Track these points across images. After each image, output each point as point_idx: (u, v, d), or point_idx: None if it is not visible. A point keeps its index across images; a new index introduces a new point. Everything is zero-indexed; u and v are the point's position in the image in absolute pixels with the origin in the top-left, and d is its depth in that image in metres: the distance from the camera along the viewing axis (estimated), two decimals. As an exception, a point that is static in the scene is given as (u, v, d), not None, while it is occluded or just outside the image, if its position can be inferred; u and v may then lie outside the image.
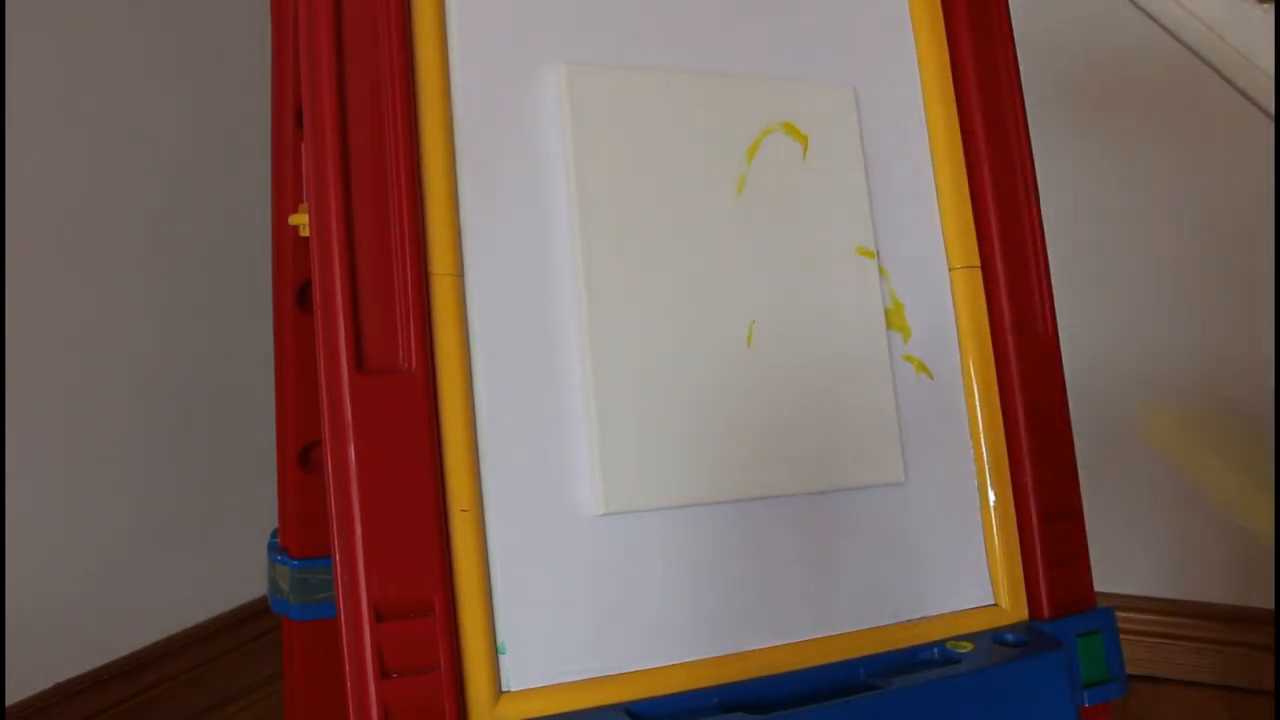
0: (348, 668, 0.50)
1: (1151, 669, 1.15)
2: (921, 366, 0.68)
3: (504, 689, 0.53)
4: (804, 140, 0.66)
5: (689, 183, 0.62)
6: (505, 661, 0.54)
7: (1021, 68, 0.73)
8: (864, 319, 0.66)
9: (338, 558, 0.51)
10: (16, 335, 0.96)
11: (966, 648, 0.62)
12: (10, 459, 0.94)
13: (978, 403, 0.68)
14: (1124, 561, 1.18)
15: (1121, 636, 0.66)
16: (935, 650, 0.62)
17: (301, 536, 0.80)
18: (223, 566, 1.17)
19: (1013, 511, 0.67)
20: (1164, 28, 1.13)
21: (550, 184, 0.60)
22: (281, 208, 0.78)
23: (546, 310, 0.58)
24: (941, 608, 0.65)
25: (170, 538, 1.11)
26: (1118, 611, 0.67)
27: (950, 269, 0.69)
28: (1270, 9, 1.10)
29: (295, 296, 0.78)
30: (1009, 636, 0.63)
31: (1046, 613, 0.65)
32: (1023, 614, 0.66)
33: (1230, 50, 1.10)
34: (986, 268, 0.70)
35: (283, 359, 0.80)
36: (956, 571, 0.66)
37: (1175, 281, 1.19)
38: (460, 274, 0.56)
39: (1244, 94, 1.10)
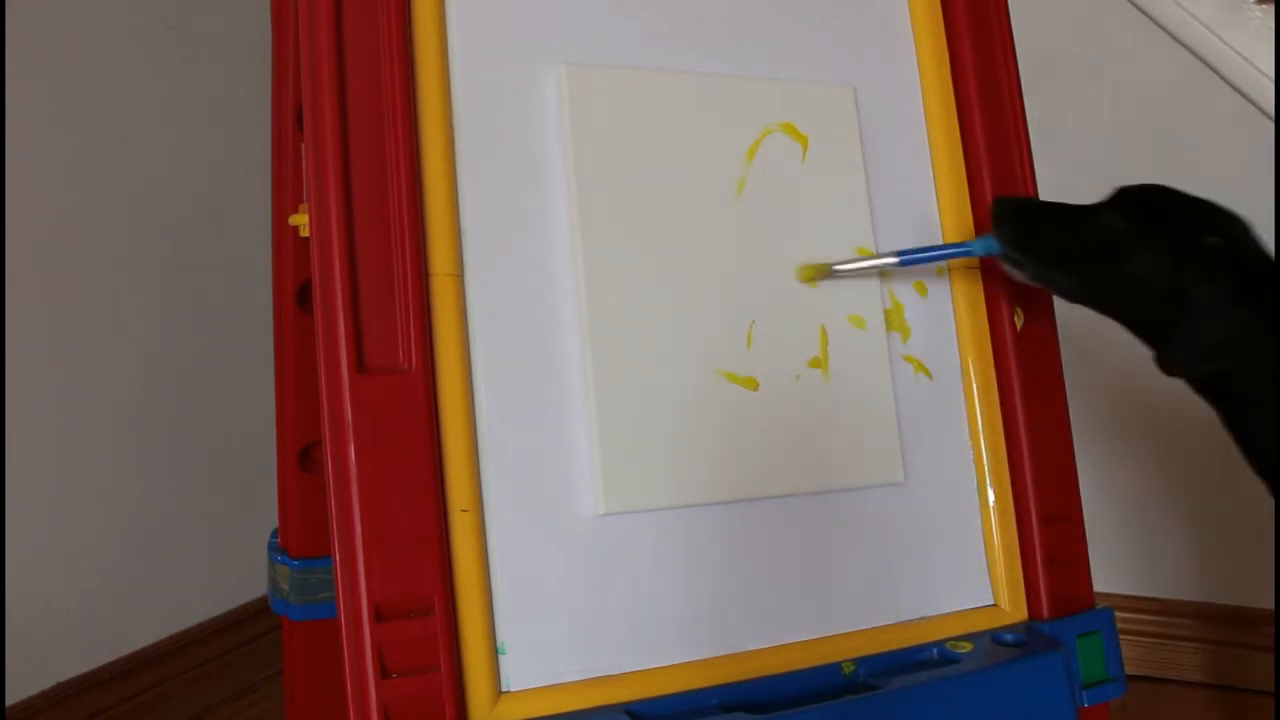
0: (348, 668, 0.50)
1: (1151, 669, 1.15)
2: (921, 367, 0.68)
3: (504, 689, 0.53)
4: (804, 141, 0.66)
5: (689, 183, 0.62)
6: (505, 662, 0.54)
7: (1020, 68, 0.73)
8: (864, 319, 0.66)
9: (338, 558, 0.51)
10: (17, 336, 0.96)
11: (966, 648, 0.62)
12: (10, 459, 0.94)
13: (977, 403, 0.68)
14: (1123, 561, 1.18)
15: (1121, 636, 0.66)
16: (935, 650, 0.62)
17: (301, 536, 0.80)
18: (223, 566, 1.17)
19: (1012, 511, 0.67)
20: (1164, 28, 1.13)
21: (550, 184, 0.60)
22: (281, 208, 0.78)
23: (546, 311, 0.58)
24: (941, 608, 0.65)
25: (170, 538, 1.11)
26: (1117, 612, 0.67)
27: (950, 269, 0.69)
28: (1270, 9, 1.10)
29: (295, 296, 0.78)
30: (1008, 636, 0.63)
31: (1046, 613, 0.65)
32: (1022, 614, 0.66)
33: (1230, 51, 1.10)
34: (986, 268, 0.70)
35: (283, 359, 0.80)
36: (956, 571, 0.66)
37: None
38: (460, 274, 0.56)
39: (1244, 94, 1.10)
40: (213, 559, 1.17)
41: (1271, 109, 1.09)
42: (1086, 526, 0.69)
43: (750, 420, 0.61)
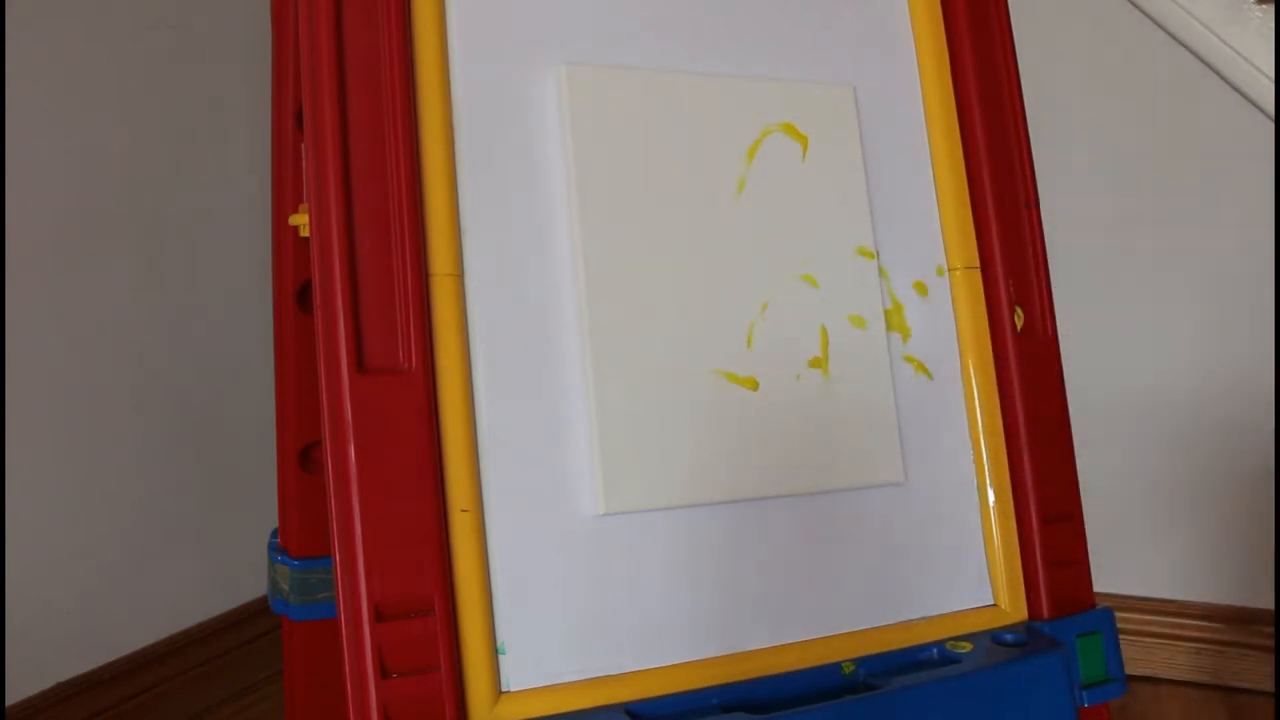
0: (348, 668, 0.50)
1: (1151, 669, 1.15)
2: (921, 367, 0.68)
3: (504, 689, 0.53)
4: (804, 141, 0.66)
5: (689, 183, 0.62)
6: (505, 662, 0.54)
7: (1020, 68, 0.73)
8: (864, 319, 0.66)
9: (338, 558, 0.51)
10: (17, 335, 0.96)
11: (966, 648, 0.62)
12: (10, 459, 0.94)
13: (977, 403, 0.68)
14: (1123, 561, 1.18)
15: (1121, 637, 0.66)
16: (935, 650, 0.63)
17: (301, 536, 0.80)
18: (223, 566, 1.17)
19: (1012, 512, 0.67)
20: (1164, 28, 1.13)
21: (550, 184, 0.60)
22: (281, 208, 0.78)
23: (546, 310, 0.58)
24: (941, 608, 0.65)
25: (170, 538, 1.11)
26: (1117, 612, 0.67)
27: (950, 269, 0.69)
28: (1270, 9, 1.10)
29: (295, 296, 0.78)
30: (1008, 637, 0.63)
31: (1046, 613, 0.65)
32: (1022, 614, 0.66)
33: (1230, 51, 1.10)
34: (986, 268, 0.70)
35: (283, 359, 0.80)
36: (956, 571, 0.66)
37: (1173, 281, 1.19)
38: (460, 274, 0.56)
39: (1244, 94, 1.10)
40: (213, 559, 1.17)
41: (1271, 109, 1.09)
42: (1087, 526, 0.69)
43: (750, 420, 0.61)
